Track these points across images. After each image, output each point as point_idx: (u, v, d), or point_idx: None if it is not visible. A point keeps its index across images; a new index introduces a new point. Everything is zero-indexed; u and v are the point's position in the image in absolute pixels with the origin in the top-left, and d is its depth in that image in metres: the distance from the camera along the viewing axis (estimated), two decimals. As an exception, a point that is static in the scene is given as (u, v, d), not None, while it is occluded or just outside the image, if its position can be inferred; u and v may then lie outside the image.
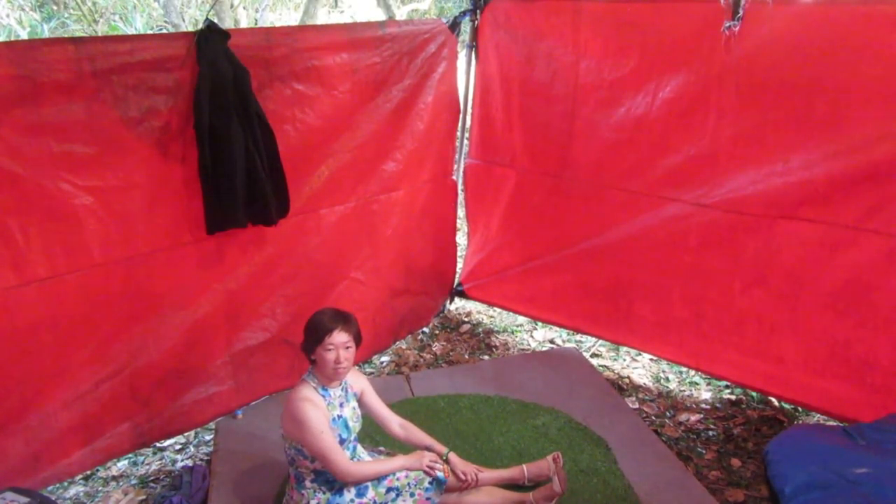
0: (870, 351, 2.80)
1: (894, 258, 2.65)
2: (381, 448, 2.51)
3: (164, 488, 2.79)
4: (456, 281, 4.27)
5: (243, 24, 8.53)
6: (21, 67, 2.11)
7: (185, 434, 3.13)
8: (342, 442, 2.22)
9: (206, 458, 3.00)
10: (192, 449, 3.11)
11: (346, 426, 2.26)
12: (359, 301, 3.45)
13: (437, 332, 4.14)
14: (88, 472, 2.89)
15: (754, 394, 3.34)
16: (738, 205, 2.94)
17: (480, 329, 4.16)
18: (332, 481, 2.22)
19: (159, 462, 3.01)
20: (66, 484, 2.82)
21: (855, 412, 2.86)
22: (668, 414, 3.28)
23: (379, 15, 9.16)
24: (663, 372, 3.64)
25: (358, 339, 2.25)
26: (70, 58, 2.19)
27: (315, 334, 2.18)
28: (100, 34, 7.46)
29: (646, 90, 3.08)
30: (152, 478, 2.90)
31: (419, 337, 4.08)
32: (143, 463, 3.01)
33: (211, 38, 2.44)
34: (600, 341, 3.90)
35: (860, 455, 2.44)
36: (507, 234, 3.94)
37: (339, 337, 2.17)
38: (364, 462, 2.31)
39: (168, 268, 2.67)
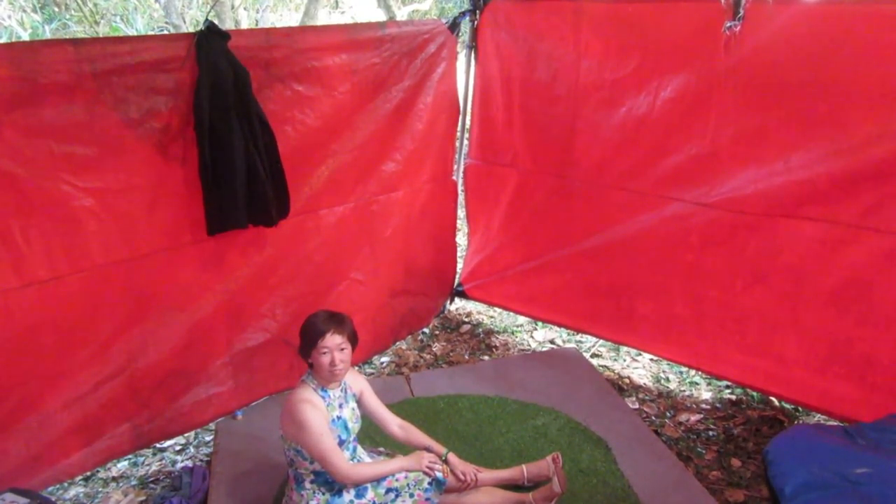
0: (871, 350, 2.80)
1: (895, 257, 2.65)
2: (381, 449, 2.51)
3: (164, 489, 2.79)
4: (456, 281, 4.27)
5: (244, 25, 8.54)
6: (22, 69, 2.12)
7: (185, 435, 3.13)
8: (341, 443, 2.22)
9: (206, 458, 3.00)
10: (192, 449, 3.11)
11: (346, 427, 2.26)
12: (359, 301, 3.46)
13: (437, 332, 4.14)
14: (88, 473, 2.89)
15: (755, 394, 3.34)
16: (740, 204, 2.94)
17: (480, 329, 4.15)
18: (332, 482, 2.22)
19: (159, 463, 3.01)
20: (66, 485, 2.83)
21: (855, 412, 2.85)
22: (668, 414, 3.28)
23: (379, 15, 9.16)
24: (663, 372, 3.64)
25: (353, 340, 2.24)
26: (70, 59, 2.20)
27: (309, 338, 2.18)
28: (101, 35, 7.46)
29: (647, 90, 3.07)
30: (152, 478, 2.90)
31: (419, 337, 4.08)
32: (142, 464, 3.01)
33: (211, 39, 2.44)
34: (600, 341, 3.90)
35: (860, 455, 2.43)
36: (508, 234, 3.93)
37: (333, 339, 2.16)
38: (363, 464, 2.31)
39: (168, 269, 2.68)
